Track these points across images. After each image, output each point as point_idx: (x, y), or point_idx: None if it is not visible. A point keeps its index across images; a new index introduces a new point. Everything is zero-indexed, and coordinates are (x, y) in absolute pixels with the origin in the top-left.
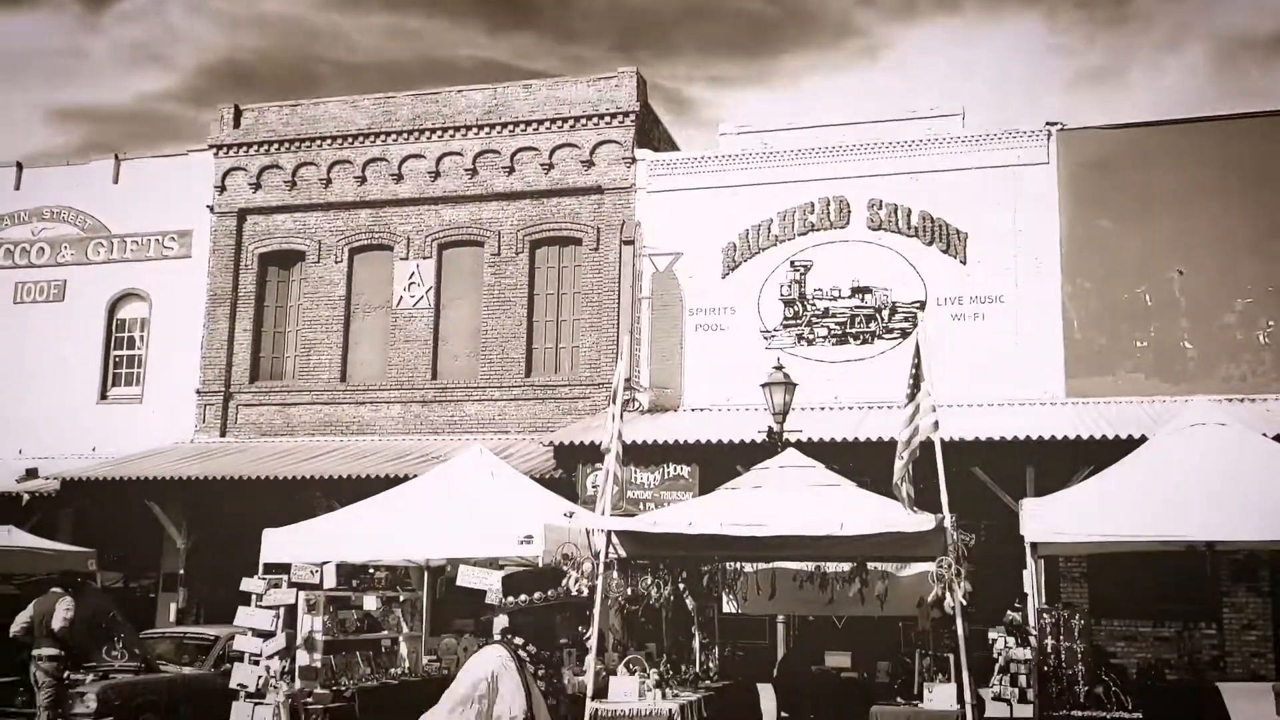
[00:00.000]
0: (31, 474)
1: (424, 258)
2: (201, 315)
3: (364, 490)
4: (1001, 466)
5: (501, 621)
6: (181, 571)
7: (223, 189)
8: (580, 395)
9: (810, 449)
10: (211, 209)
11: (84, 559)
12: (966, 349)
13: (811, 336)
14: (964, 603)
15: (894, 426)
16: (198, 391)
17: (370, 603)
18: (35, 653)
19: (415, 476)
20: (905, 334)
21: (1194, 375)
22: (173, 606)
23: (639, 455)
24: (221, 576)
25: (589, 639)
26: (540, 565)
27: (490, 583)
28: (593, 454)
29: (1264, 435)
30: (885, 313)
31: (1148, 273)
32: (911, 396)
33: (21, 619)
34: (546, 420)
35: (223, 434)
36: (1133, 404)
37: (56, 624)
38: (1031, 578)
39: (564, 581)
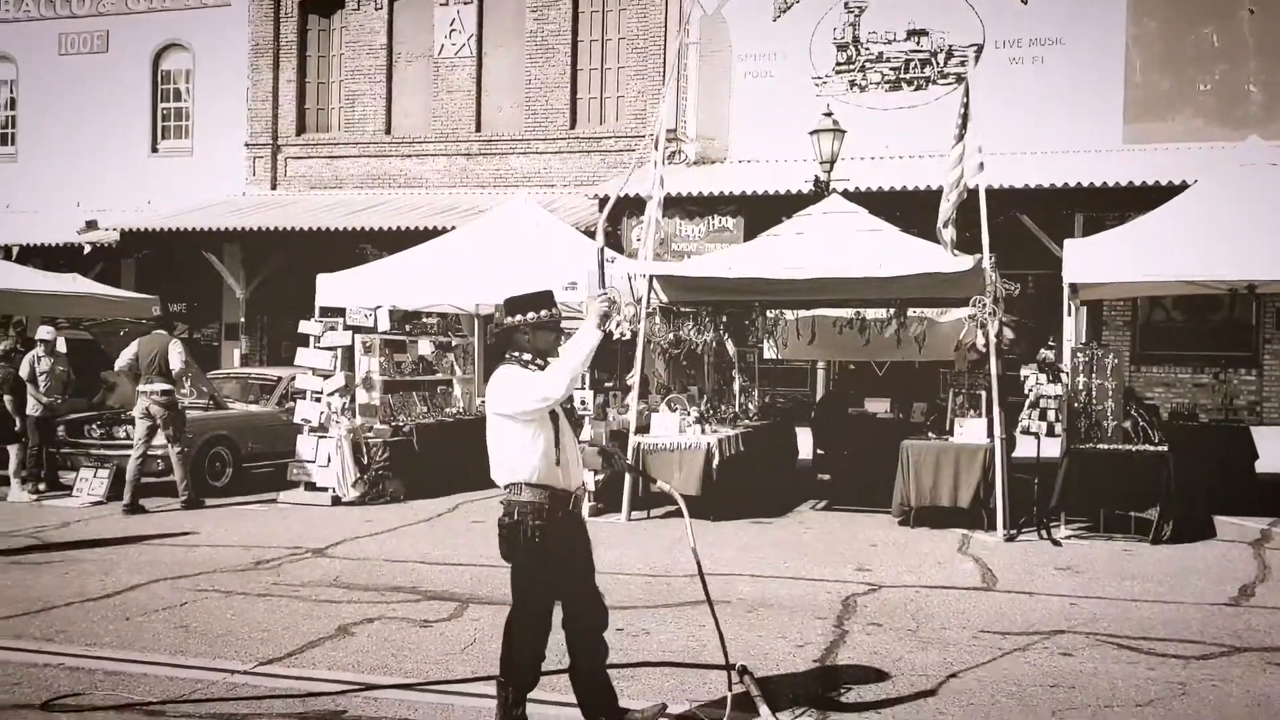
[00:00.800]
0: (91, 225)
1: (464, 3)
2: (245, 67)
3: (413, 242)
4: (1051, 214)
5: (506, 339)
6: (242, 320)
7: None
8: (626, 148)
9: (857, 198)
10: None
11: (148, 305)
12: (1023, 94)
13: (864, 83)
14: (997, 340)
15: (944, 175)
16: (246, 145)
17: (424, 347)
18: (145, 388)
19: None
20: (961, 80)
21: (1257, 120)
22: (236, 353)
23: (684, 207)
24: (280, 324)
25: (632, 379)
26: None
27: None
28: (638, 205)
29: None
30: (941, 56)
31: (1217, 11)
32: (960, 138)
33: (126, 355)
34: (592, 173)
35: (273, 187)
36: (1191, 149)
37: (174, 364)
38: (1071, 318)
39: (611, 325)
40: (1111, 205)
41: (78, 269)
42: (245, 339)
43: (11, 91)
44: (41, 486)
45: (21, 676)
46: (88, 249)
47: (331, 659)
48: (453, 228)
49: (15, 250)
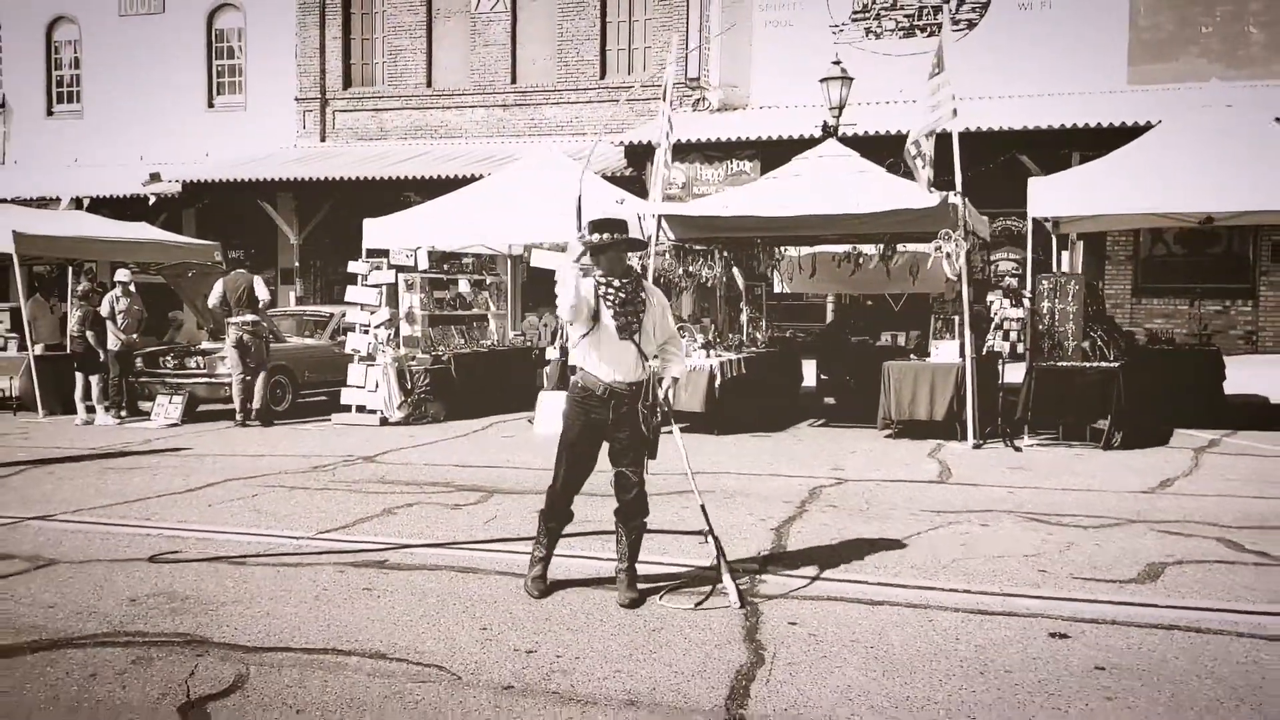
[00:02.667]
0: (155, 178)
1: None
2: (293, 24)
3: (452, 189)
4: (1051, 155)
5: (577, 249)
6: (296, 264)
7: None
8: (653, 96)
9: (864, 142)
10: None
11: (210, 251)
12: (1031, 38)
13: (879, 30)
14: (962, 269)
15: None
16: (296, 99)
17: (462, 285)
18: (235, 320)
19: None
20: (972, 25)
21: (1258, 60)
22: (291, 295)
23: (704, 152)
24: (331, 267)
25: None
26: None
27: (560, 264)
28: None
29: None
30: (953, 3)
31: None
32: (932, 76)
33: (216, 293)
34: (621, 121)
35: (322, 139)
36: (1194, 90)
37: (262, 295)
38: (1067, 252)
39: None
40: (1109, 145)
41: (144, 219)
42: (299, 282)
43: (76, 51)
44: (123, 413)
45: (129, 542)
46: (152, 200)
47: (377, 530)
48: (489, 175)
49: (86, 201)
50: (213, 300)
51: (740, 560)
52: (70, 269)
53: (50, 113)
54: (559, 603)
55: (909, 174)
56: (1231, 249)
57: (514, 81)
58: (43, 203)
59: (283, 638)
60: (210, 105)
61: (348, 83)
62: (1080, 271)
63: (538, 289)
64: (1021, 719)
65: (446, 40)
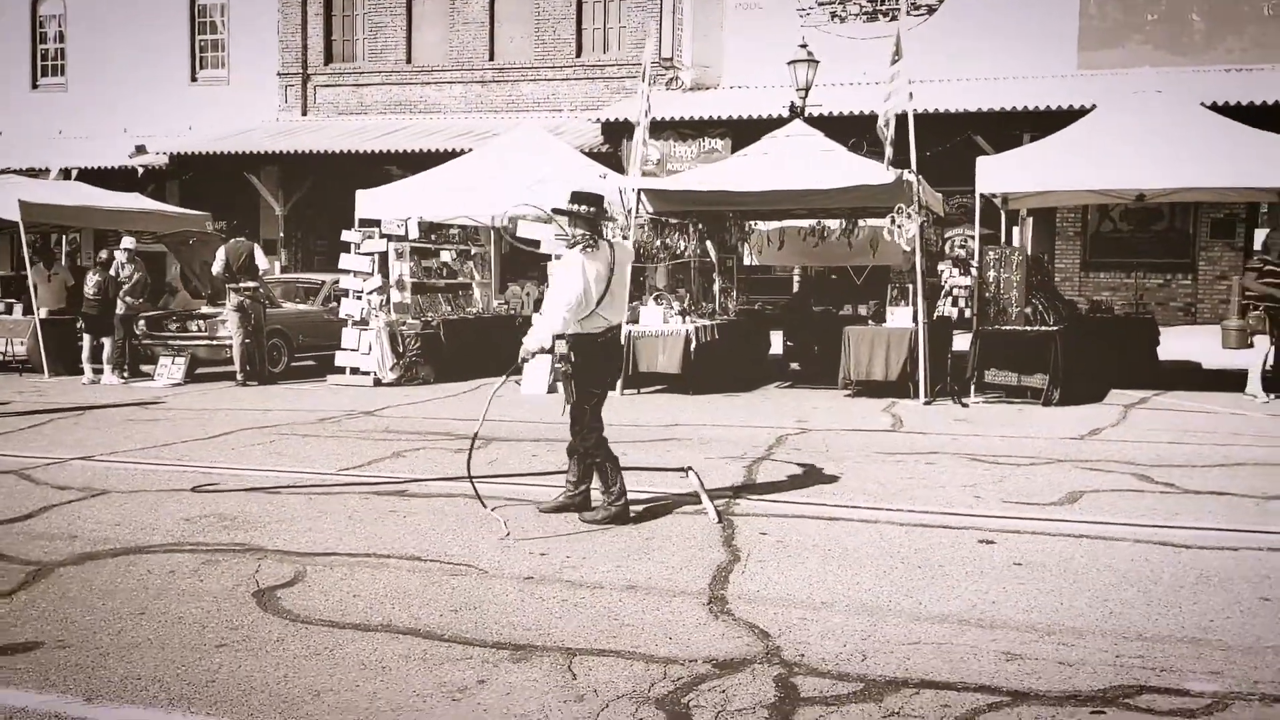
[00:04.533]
0: (141, 150)
1: None
2: (275, 0)
3: (434, 163)
4: (1003, 135)
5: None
6: (281, 235)
7: None
8: (629, 75)
9: (829, 122)
10: None
11: (201, 221)
12: (987, 24)
13: (844, 14)
14: (916, 241)
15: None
16: (278, 74)
17: (447, 254)
18: (237, 286)
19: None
20: (932, 10)
21: (1200, 47)
22: (277, 265)
23: (678, 130)
24: (316, 237)
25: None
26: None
27: (544, 234)
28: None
29: (1214, 102)
30: None
31: None
32: (893, 63)
33: (220, 260)
34: (597, 99)
35: (304, 113)
36: (1138, 74)
37: (262, 263)
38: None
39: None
40: (1058, 126)
41: (132, 190)
42: (283, 252)
43: (60, 25)
44: (125, 373)
45: (169, 477)
46: (140, 171)
47: (391, 468)
48: (470, 150)
49: (75, 172)
50: (217, 267)
51: (716, 489)
52: (64, 237)
53: (35, 85)
54: (561, 520)
55: (877, 153)
56: (1173, 226)
57: (492, 59)
58: (32, 174)
59: (327, 546)
60: (194, 79)
61: (329, 58)
62: (1030, 246)
63: (520, 259)
64: (950, 595)
65: (426, 17)
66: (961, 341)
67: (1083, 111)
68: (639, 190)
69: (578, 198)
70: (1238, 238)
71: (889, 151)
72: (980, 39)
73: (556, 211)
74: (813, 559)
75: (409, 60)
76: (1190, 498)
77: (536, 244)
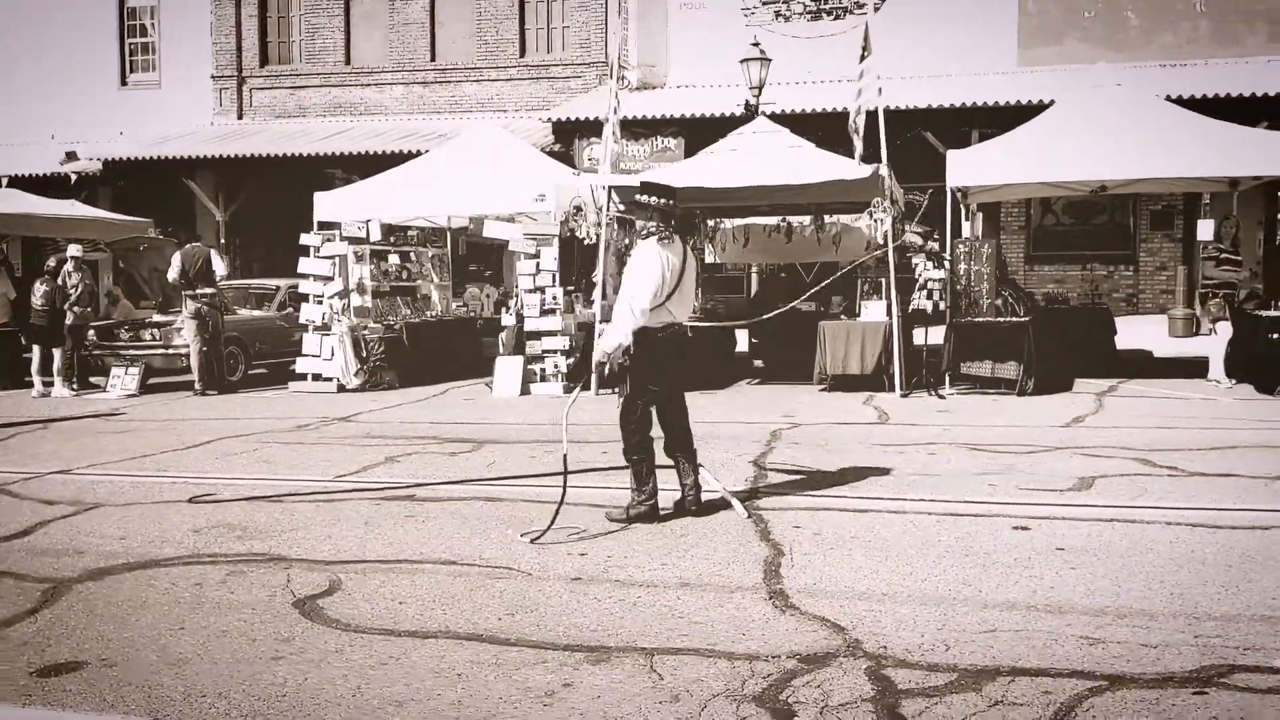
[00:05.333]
0: (72, 156)
1: None
2: (208, 1)
3: (379, 166)
4: (951, 131)
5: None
6: (222, 241)
7: None
8: (573, 75)
9: (783, 120)
10: None
11: (144, 227)
12: (930, 22)
13: (788, 13)
14: (890, 236)
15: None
16: (212, 77)
17: (392, 258)
18: (194, 293)
19: (427, 152)
20: (877, 8)
21: (1136, 43)
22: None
23: (630, 129)
24: (258, 242)
25: (596, 277)
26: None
27: (512, 233)
28: (589, 129)
29: (1159, 95)
30: None
31: None
32: (862, 59)
33: (175, 267)
34: (542, 99)
35: (239, 117)
36: (1080, 71)
37: (220, 269)
38: (968, 221)
39: (578, 230)
40: (1004, 122)
41: (64, 197)
42: (227, 258)
43: None
44: (74, 385)
45: (160, 489)
46: (73, 178)
47: (389, 473)
48: (416, 151)
49: (4, 180)
50: (172, 274)
51: (733, 486)
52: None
53: None
54: (587, 516)
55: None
56: (1114, 219)
57: (434, 59)
58: None
59: (353, 554)
60: (124, 83)
61: (264, 60)
62: (981, 239)
63: (479, 261)
64: (1007, 582)
65: (365, 18)
66: (931, 335)
67: (1029, 107)
68: (609, 188)
69: (649, 188)
70: (1176, 229)
71: (859, 147)
72: (922, 37)
73: (631, 204)
74: (856, 551)
75: (348, 62)
76: (1199, 480)
77: (501, 245)
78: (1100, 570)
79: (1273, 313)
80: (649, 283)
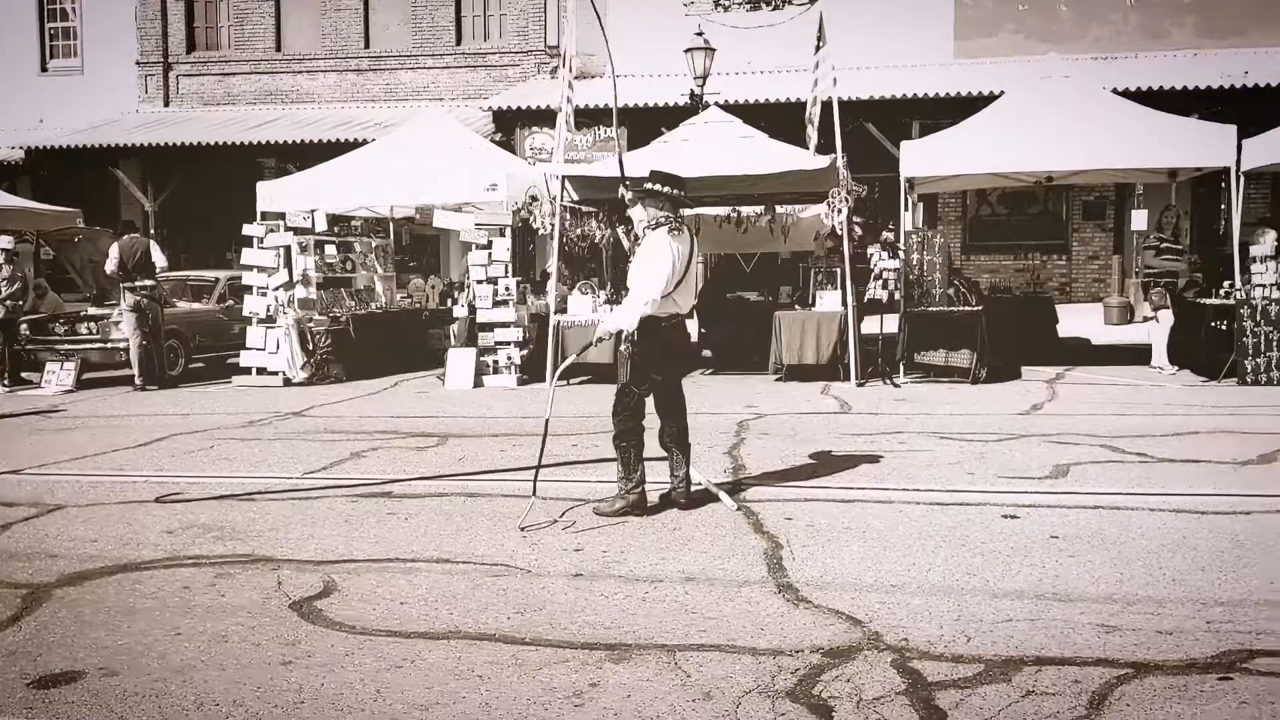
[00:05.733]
0: None
1: None
2: None
3: (314, 155)
4: (892, 122)
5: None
6: (153, 231)
7: None
8: (511, 63)
9: (726, 110)
10: None
11: (74, 217)
12: (869, 14)
13: (728, 3)
14: (847, 224)
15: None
16: (137, 63)
17: (342, 247)
18: (133, 285)
19: (364, 141)
20: (813, 1)
21: (1069, 36)
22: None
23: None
24: (190, 232)
25: (549, 268)
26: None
27: (463, 223)
28: (531, 117)
29: (1104, 88)
30: None
31: None
32: (818, 50)
33: (113, 259)
34: (479, 87)
35: (166, 104)
36: (1014, 62)
37: (159, 260)
38: (909, 212)
39: (532, 221)
40: (944, 113)
41: None
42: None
43: None
44: (7, 382)
45: (121, 488)
46: None
47: (358, 470)
48: (352, 140)
49: None
50: (110, 265)
51: (711, 477)
52: None
53: None
54: (575, 514)
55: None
56: (1048, 209)
57: (367, 46)
58: None
59: (341, 553)
60: (44, 69)
61: (191, 46)
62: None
63: (421, 251)
64: (1010, 571)
65: (296, 4)
66: (885, 324)
67: (969, 98)
68: (563, 177)
69: (659, 177)
70: (1108, 219)
71: (814, 137)
72: (860, 29)
73: (640, 191)
74: (853, 542)
75: (279, 48)
76: (1170, 466)
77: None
78: (1098, 558)
79: (1215, 301)
80: (660, 273)
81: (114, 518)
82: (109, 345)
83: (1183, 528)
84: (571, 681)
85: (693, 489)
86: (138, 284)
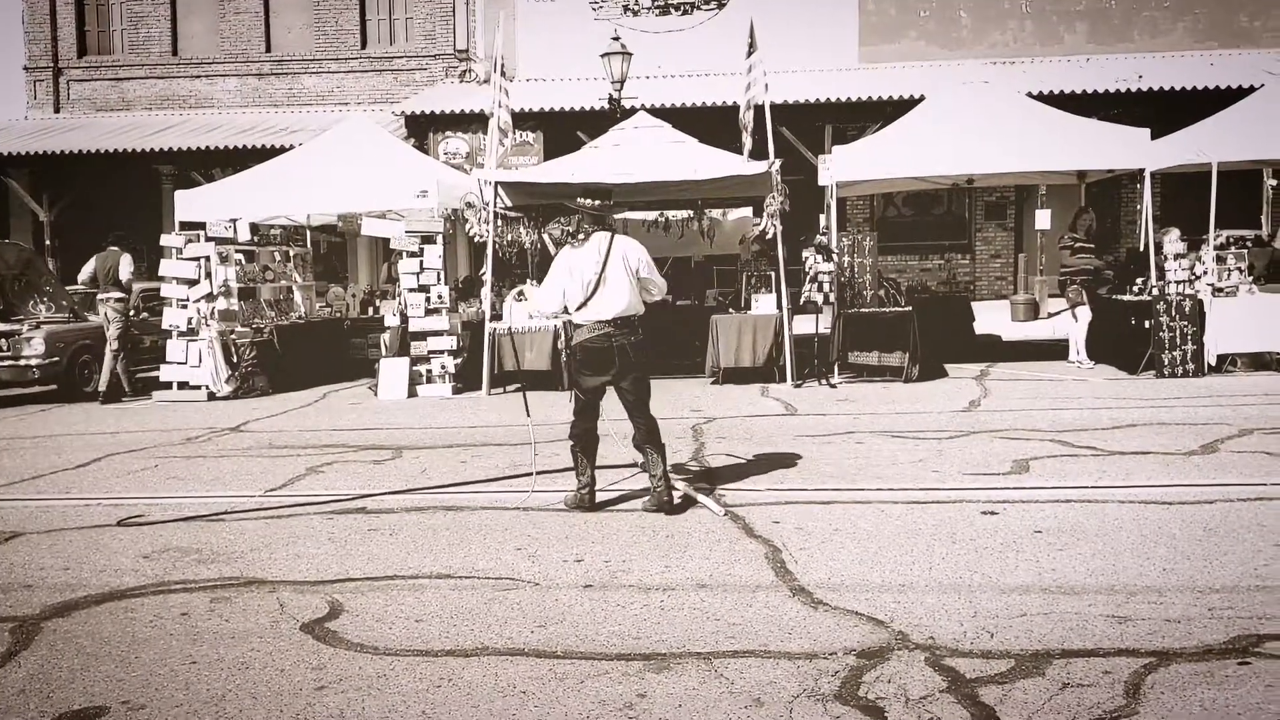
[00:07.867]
0: None
1: None
2: None
3: (216, 163)
4: (805, 126)
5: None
6: (48, 242)
7: None
8: (418, 67)
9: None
10: None
11: None
12: (774, 19)
13: (637, 7)
14: (778, 229)
15: (716, 93)
16: (25, 68)
17: (270, 257)
18: (103, 297)
19: (272, 147)
20: (722, 5)
21: (968, 41)
22: None
23: (485, 122)
24: (88, 244)
25: (484, 274)
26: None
27: (393, 231)
28: (444, 122)
29: (1019, 92)
30: None
31: None
32: (749, 54)
33: (87, 269)
34: (385, 91)
35: (56, 110)
36: (917, 67)
37: (123, 274)
38: (824, 215)
39: (467, 228)
40: (854, 117)
41: None
42: (54, 261)
43: None
44: None
45: (77, 512)
46: None
47: (322, 485)
48: (257, 146)
49: None
50: (83, 276)
51: (688, 482)
52: None
53: None
54: (562, 522)
55: (712, 142)
56: (951, 210)
57: (269, 50)
58: None
59: (336, 573)
60: None
61: (83, 50)
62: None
63: (343, 260)
64: (1009, 567)
65: (193, 6)
66: (816, 325)
67: (877, 102)
68: (496, 184)
69: (588, 191)
70: (1009, 219)
71: (748, 142)
72: (766, 34)
73: (568, 207)
74: (848, 543)
75: (175, 52)
76: (1123, 459)
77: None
78: (1086, 550)
79: (1131, 297)
80: (545, 290)
81: (80, 543)
82: (20, 363)
83: (1156, 519)
84: (619, 693)
85: (674, 494)
86: (106, 296)
